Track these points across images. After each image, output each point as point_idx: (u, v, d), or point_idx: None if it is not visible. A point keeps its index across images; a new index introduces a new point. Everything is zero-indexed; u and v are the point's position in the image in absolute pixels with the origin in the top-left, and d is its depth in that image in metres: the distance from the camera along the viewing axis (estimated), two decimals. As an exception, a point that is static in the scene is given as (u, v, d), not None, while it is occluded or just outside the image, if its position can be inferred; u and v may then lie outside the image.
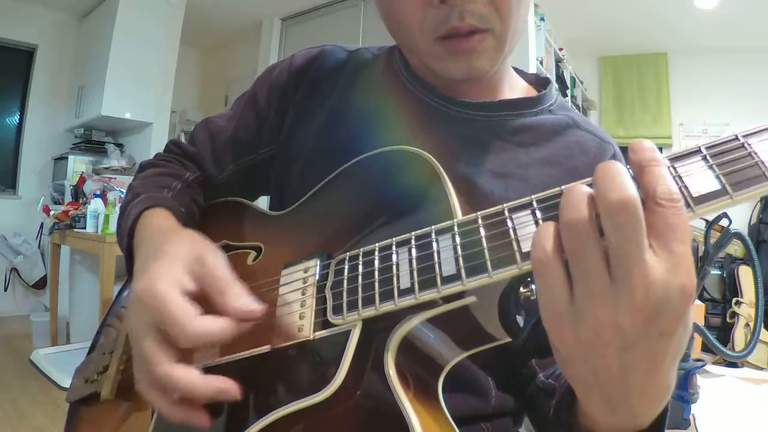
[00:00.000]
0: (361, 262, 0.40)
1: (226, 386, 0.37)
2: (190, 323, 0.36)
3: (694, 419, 1.34)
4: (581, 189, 0.28)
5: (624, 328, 0.26)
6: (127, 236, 0.53)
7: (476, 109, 0.56)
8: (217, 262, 0.40)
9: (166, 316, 0.36)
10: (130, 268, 0.53)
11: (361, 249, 0.41)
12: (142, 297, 0.37)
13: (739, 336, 2.56)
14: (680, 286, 0.26)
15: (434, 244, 0.36)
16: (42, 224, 3.63)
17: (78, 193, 3.16)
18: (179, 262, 0.40)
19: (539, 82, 0.64)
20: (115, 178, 3.26)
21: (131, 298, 0.39)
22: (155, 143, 3.71)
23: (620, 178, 0.26)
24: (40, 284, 3.79)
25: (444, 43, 0.49)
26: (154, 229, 0.50)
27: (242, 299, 0.38)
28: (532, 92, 0.63)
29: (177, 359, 0.37)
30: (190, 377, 0.37)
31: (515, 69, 0.64)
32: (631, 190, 0.26)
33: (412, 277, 0.36)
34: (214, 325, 0.37)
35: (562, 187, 0.32)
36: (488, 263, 0.32)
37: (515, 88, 0.62)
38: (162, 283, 0.37)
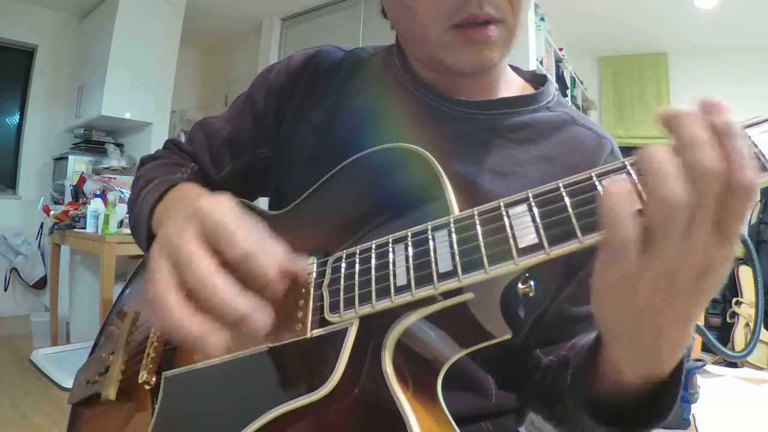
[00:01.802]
0: (357, 260, 0.40)
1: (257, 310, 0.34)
2: (250, 233, 0.35)
3: (694, 419, 1.34)
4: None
5: (679, 282, 0.29)
6: (147, 216, 0.51)
7: (474, 107, 0.56)
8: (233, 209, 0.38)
9: (225, 225, 0.35)
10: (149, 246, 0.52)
11: (358, 247, 0.40)
12: (194, 211, 0.36)
13: (739, 336, 2.55)
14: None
15: (430, 241, 0.36)
16: (42, 224, 3.62)
17: (78, 193, 3.16)
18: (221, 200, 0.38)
19: (536, 80, 0.64)
20: (115, 178, 3.26)
21: (172, 219, 0.37)
22: (155, 143, 3.70)
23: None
24: (40, 284, 3.79)
25: (458, 31, 0.49)
26: (183, 193, 0.49)
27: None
28: (528, 89, 0.63)
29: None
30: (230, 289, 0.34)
31: (511, 66, 0.65)
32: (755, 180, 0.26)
33: (408, 274, 0.36)
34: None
35: (558, 182, 0.32)
36: (484, 259, 0.32)
37: (512, 86, 0.62)
38: (182, 241, 0.35)
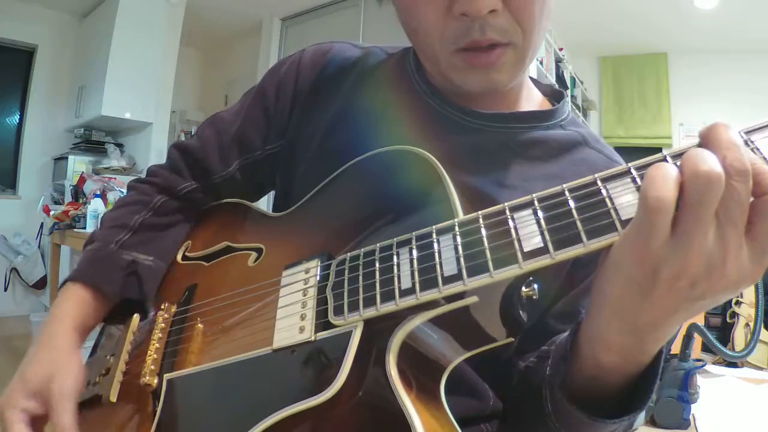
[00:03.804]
0: (361, 263, 0.40)
1: None
2: None
3: (694, 419, 1.34)
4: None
5: (699, 290, 0.29)
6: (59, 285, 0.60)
7: (488, 120, 0.55)
8: (63, 390, 0.49)
9: None
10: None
11: (362, 249, 0.40)
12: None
13: (739, 336, 2.55)
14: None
15: (435, 244, 0.36)
16: (42, 224, 3.62)
17: (78, 193, 3.16)
18: (30, 389, 0.50)
19: (554, 95, 0.63)
20: (115, 178, 3.26)
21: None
22: (155, 143, 3.71)
23: None
24: (40, 284, 3.79)
25: (463, 55, 0.48)
26: (46, 328, 0.57)
27: None
28: (546, 105, 0.62)
29: None
30: None
31: (532, 79, 0.63)
32: None
33: (413, 278, 0.36)
34: None
35: (563, 186, 0.32)
36: (489, 263, 0.32)
37: (532, 100, 0.61)
38: (10, 412, 0.48)
